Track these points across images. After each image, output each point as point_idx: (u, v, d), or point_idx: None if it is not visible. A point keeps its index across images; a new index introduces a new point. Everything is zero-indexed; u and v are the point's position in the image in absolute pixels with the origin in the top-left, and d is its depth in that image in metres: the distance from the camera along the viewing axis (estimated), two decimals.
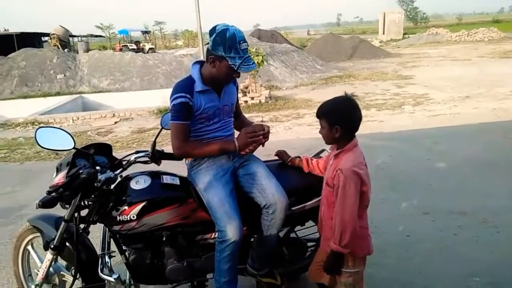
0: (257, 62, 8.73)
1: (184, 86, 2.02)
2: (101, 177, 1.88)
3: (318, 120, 1.90)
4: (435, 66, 15.42)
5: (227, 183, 2.01)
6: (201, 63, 2.11)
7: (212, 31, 1.96)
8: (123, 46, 30.21)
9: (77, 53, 20.18)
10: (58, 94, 13.03)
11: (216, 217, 1.93)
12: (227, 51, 1.91)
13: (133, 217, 1.92)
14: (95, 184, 1.87)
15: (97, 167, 1.92)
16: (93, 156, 2.01)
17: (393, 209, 3.53)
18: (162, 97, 9.39)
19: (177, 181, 2.08)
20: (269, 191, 1.99)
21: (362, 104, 8.71)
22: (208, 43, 2.02)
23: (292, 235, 2.42)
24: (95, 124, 8.42)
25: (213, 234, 2.07)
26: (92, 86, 13.76)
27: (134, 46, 30.26)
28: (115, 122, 8.51)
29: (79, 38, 36.89)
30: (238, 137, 2.04)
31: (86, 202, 1.98)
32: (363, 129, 6.43)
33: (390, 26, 38.11)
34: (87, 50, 25.95)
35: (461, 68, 14.29)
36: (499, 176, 4.17)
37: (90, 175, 1.78)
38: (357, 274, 1.87)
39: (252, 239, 2.20)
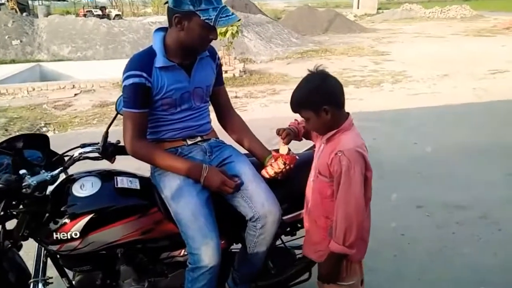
0: (232, 32, 8.15)
1: (140, 61, 1.55)
2: (31, 180, 1.40)
3: (299, 114, 1.51)
4: (411, 43, 15.23)
5: (202, 190, 1.57)
6: (165, 30, 1.62)
7: None
8: (87, 11, 28.56)
9: (37, 17, 18.73)
10: (13, 61, 11.96)
11: (188, 236, 1.49)
12: (196, 3, 1.46)
13: (76, 234, 1.45)
14: (24, 190, 1.39)
15: (24, 170, 1.42)
16: (22, 151, 1.51)
17: (383, 201, 3.19)
18: None
19: (136, 184, 1.62)
20: (257, 200, 1.56)
21: (341, 80, 8.31)
22: (167, 1, 1.53)
23: (278, 242, 2.03)
24: (52, 96, 7.67)
25: (183, 250, 1.64)
26: (51, 54, 12.75)
27: (100, 12, 28.71)
28: (75, 94, 7.80)
29: (40, 1, 34.52)
30: (211, 173, 1.58)
31: (13, 212, 1.49)
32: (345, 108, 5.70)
33: (364, 0, 37.67)
34: (48, 14, 24.24)
35: (437, 45, 14.15)
36: (491, 163, 3.91)
37: (9, 185, 1.29)
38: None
39: (230, 249, 1.80)
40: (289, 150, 1.69)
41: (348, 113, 1.49)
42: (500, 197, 3.22)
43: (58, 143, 1.82)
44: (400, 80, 8.53)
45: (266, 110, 6.32)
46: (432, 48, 13.50)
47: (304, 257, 2.03)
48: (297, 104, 1.48)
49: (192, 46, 1.56)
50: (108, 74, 9.30)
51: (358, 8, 37.53)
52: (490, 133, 4.80)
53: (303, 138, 1.76)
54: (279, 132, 1.69)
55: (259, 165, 1.77)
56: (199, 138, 1.72)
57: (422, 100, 6.68)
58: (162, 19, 16.97)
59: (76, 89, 8.12)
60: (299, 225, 1.85)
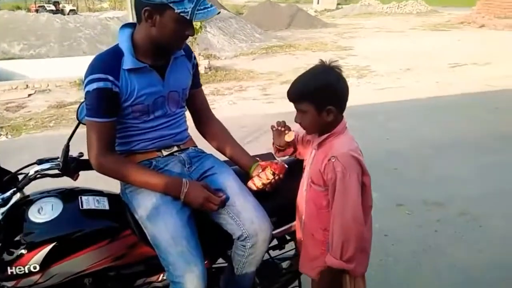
0: (195, 28, 7.88)
1: (104, 62, 1.34)
2: None
3: (294, 105, 1.36)
4: (372, 38, 15.48)
5: (182, 208, 1.38)
6: (133, 26, 1.41)
7: None
8: (39, 6, 27.10)
9: None
10: None
11: (168, 262, 1.31)
12: None
13: (35, 268, 1.23)
14: None
15: None
16: None
17: None
18: (85, 66, 8.16)
19: (104, 204, 1.41)
20: (246, 216, 1.39)
21: None
22: None
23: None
24: (3, 97, 7.14)
25: (162, 275, 1.45)
26: (1, 52, 11.96)
27: (53, 7, 27.28)
28: (29, 95, 7.30)
29: None
30: (192, 188, 1.39)
31: None
32: None
33: None
34: None
35: (397, 40, 14.45)
36: (463, 157, 3.94)
37: None
38: None
39: (214, 267, 1.62)
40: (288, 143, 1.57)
41: (342, 116, 1.36)
42: (476, 192, 3.22)
43: (11, 149, 1.58)
44: (365, 74, 8.60)
45: (234, 107, 6.14)
46: (393, 42, 13.76)
47: (290, 268, 1.91)
48: (299, 94, 1.32)
49: (166, 44, 1.37)
50: (65, 72, 8.78)
51: (318, 3, 37.87)
52: (458, 127, 4.86)
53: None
54: (278, 124, 1.57)
55: (243, 175, 1.60)
56: (175, 148, 1.53)
57: (388, 95, 6.72)
58: (120, 14, 16.34)
59: (30, 89, 7.60)
60: (288, 238, 1.71)
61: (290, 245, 1.78)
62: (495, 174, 3.52)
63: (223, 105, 6.31)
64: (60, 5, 29.10)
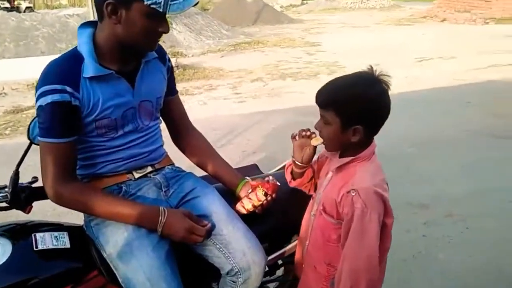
0: None
1: (61, 70, 1.12)
2: None
3: (320, 109, 1.16)
4: (338, 33, 15.57)
5: (160, 242, 1.17)
6: (95, 25, 1.19)
7: None
8: None
9: None
10: None
11: None
12: None
13: None
14: None
15: None
16: None
17: None
18: (44, 66, 7.72)
19: (64, 241, 1.18)
20: (236, 247, 1.20)
21: (278, 73, 8.18)
22: None
23: None
24: None
25: None
26: None
27: (7, 4, 25.88)
28: None
29: None
30: (171, 218, 1.18)
31: None
32: (287, 103, 5.61)
33: None
34: None
35: (363, 35, 14.60)
36: (443, 156, 3.88)
37: None
38: None
39: None
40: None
41: (372, 140, 1.17)
42: (460, 192, 3.15)
43: None
44: (335, 71, 8.56)
45: (205, 108, 5.90)
46: (359, 37, 13.86)
47: None
48: (327, 100, 1.13)
49: (135, 44, 1.15)
50: (21, 74, 8.23)
51: None
52: (434, 123, 4.83)
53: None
54: (301, 131, 1.29)
55: (228, 193, 1.41)
56: (149, 169, 1.31)
57: None
58: (80, 11, 15.62)
59: None
60: (280, 262, 1.52)
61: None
62: (477, 172, 3.48)
63: (193, 105, 6.06)
64: (16, 2, 27.66)
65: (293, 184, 1.34)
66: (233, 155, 3.89)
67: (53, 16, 13.59)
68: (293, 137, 1.28)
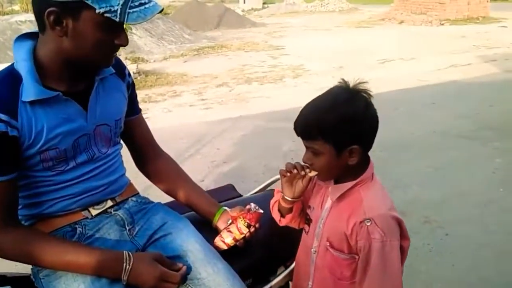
0: None
1: None
2: None
3: (304, 141, 1.04)
4: (301, 36, 15.69)
5: None
6: (35, 36, 1.00)
7: None
8: None
9: None
10: None
11: None
12: None
13: None
14: None
15: None
16: None
17: None
18: None
19: None
20: None
21: (243, 77, 8.05)
22: None
23: None
24: None
25: None
26: None
27: None
28: None
29: None
30: (138, 264, 1.00)
31: None
32: (255, 108, 5.44)
33: None
34: None
35: (325, 38, 14.77)
36: (415, 159, 3.86)
37: None
38: None
39: None
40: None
41: (368, 157, 1.05)
42: (435, 196, 3.12)
43: None
44: (300, 74, 8.55)
45: (170, 116, 5.67)
46: (321, 40, 13.98)
47: None
48: (313, 130, 0.99)
49: (86, 60, 0.96)
50: None
51: (244, 2, 37.93)
52: (402, 125, 4.82)
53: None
54: (292, 167, 1.10)
55: (203, 223, 1.24)
56: (109, 203, 1.12)
57: None
58: (33, 18, 14.91)
59: None
60: None
61: None
62: (450, 175, 3.47)
63: (156, 113, 5.81)
64: None
65: (283, 222, 1.19)
66: (202, 166, 3.71)
67: (4, 23, 12.83)
68: (283, 175, 1.11)
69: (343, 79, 1.05)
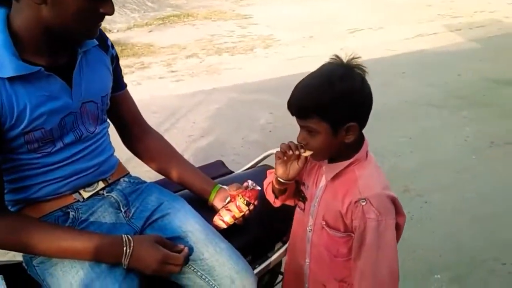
0: None
1: None
2: None
3: (298, 120, 1.01)
4: (269, 5, 15.37)
5: (126, 278, 0.93)
6: (9, 5, 0.89)
7: None
8: None
9: None
10: None
11: None
12: None
13: None
14: None
15: None
16: None
17: None
18: None
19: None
20: (221, 272, 1.02)
21: (213, 48, 7.85)
22: None
23: None
24: None
25: None
26: None
27: None
28: None
29: None
30: (139, 247, 0.94)
31: None
32: (227, 80, 5.33)
33: None
34: None
35: (293, 7, 14.54)
36: (390, 129, 3.90)
37: None
38: None
39: None
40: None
41: (363, 135, 1.02)
42: (411, 165, 3.20)
43: None
44: (271, 44, 8.41)
45: (140, 89, 5.46)
46: (290, 9, 13.76)
47: None
48: (309, 107, 0.96)
49: (68, 31, 0.87)
50: None
51: None
52: (374, 96, 4.84)
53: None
54: (288, 148, 1.04)
55: (199, 202, 1.19)
56: (101, 185, 1.05)
57: (300, 65, 6.55)
58: None
59: None
60: (265, 278, 1.35)
61: None
62: (423, 144, 3.55)
63: None
64: None
65: (277, 203, 1.17)
66: (179, 141, 3.62)
67: None
68: (279, 157, 1.06)
69: (336, 55, 1.02)
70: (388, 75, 5.63)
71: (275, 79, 5.69)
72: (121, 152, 1.37)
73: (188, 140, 3.67)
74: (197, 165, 1.53)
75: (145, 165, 1.38)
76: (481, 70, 5.61)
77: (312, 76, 1.02)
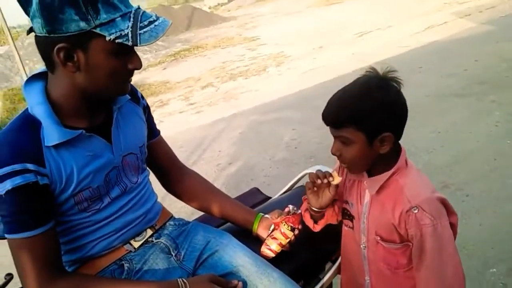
0: None
1: (15, 144, 0.87)
2: None
3: (332, 130, 1.01)
4: (274, 23, 15.63)
5: None
6: (44, 77, 0.95)
7: None
8: None
9: None
10: None
11: None
12: (91, 14, 0.83)
13: None
14: None
15: None
16: None
17: None
18: None
19: None
20: None
21: (227, 74, 7.98)
22: (30, 30, 0.89)
23: None
24: None
25: None
26: None
27: None
28: None
29: None
30: (198, 287, 0.97)
31: None
32: (245, 104, 5.35)
33: None
34: None
35: (298, 21, 14.73)
36: (416, 126, 3.81)
37: None
38: None
39: None
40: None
41: (399, 144, 1.03)
42: (445, 160, 3.11)
43: None
44: (282, 61, 8.49)
45: (163, 127, 5.48)
46: (295, 24, 13.93)
47: None
48: (349, 117, 0.96)
49: (103, 91, 0.92)
50: None
51: None
52: None
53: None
54: (316, 177, 1.08)
55: (243, 233, 1.21)
56: (149, 232, 1.08)
57: (314, 77, 6.60)
58: (2, 50, 14.57)
59: None
60: None
61: None
62: (453, 136, 3.47)
63: None
64: None
65: (317, 228, 1.17)
66: (208, 171, 3.67)
67: None
68: (309, 188, 1.09)
69: (372, 67, 1.02)
70: (404, 73, 5.35)
71: (292, 95, 5.72)
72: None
73: (217, 169, 3.71)
74: (230, 192, 1.56)
75: (179, 200, 1.43)
76: (499, 51, 5.49)
77: (348, 87, 1.02)
